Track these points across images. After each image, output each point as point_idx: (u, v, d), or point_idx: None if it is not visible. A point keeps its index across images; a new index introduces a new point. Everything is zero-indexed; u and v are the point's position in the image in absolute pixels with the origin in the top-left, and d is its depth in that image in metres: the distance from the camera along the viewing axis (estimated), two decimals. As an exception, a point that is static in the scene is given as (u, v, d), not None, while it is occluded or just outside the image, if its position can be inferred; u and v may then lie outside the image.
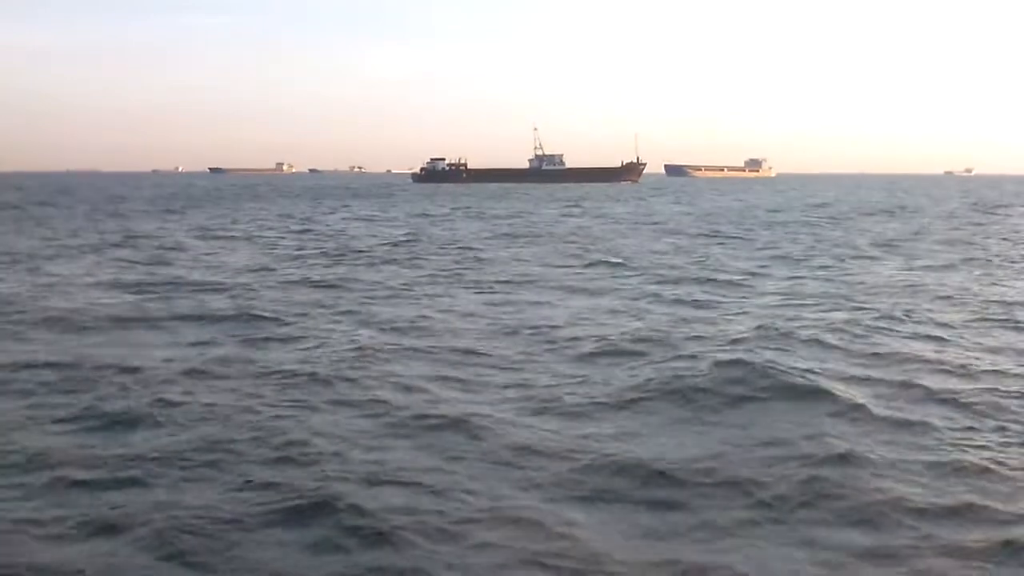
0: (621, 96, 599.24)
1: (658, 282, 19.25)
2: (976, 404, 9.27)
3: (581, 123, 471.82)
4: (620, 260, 23.74)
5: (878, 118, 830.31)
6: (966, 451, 7.80)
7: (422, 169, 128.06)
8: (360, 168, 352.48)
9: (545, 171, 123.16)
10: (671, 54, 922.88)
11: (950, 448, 7.88)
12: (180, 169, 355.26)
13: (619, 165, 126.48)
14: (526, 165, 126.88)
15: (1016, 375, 10.53)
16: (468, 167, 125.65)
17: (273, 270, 21.33)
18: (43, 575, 5.67)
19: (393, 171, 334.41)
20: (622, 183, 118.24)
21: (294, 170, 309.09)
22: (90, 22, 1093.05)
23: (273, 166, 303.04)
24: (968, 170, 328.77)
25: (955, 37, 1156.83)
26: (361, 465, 7.51)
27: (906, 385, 9.98)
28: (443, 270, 21.51)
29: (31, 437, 8.22)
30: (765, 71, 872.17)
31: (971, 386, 9.98)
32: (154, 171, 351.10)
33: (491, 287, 18.59)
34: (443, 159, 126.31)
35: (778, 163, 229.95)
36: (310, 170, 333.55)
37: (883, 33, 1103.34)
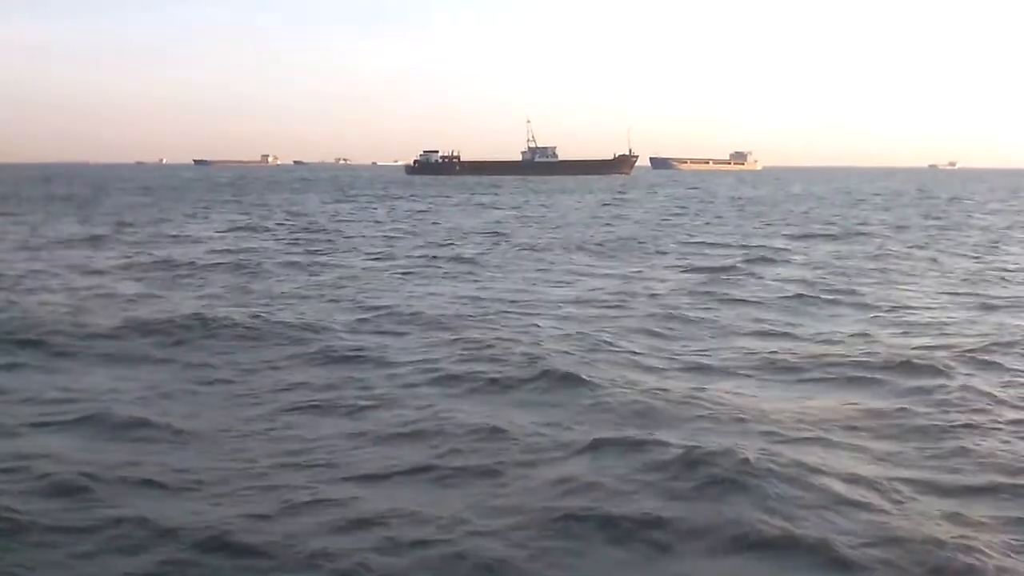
0: (614, 89, 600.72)
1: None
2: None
3: (574, 116, 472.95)
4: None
5: (862, 112, 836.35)
6: None
7: (415, 161, 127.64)
8: (346, 160, 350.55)
9: (538, 163, 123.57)
10: (663, 48, 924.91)
11: None
12: (164, 161, 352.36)
13: (612, 157, 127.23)
14: (519, 157, 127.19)
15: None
16: (461, 159, 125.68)
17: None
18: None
19: (379, 163, 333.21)
20: (614, 175, 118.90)
21: (279, 162, 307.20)
22: (75, 15, 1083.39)
23: (258, 158, 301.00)
24: (952, 163, 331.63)
25: (940, 33, 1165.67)
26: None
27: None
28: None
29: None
30: (752, 65, 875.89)
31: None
32: (138, 163, 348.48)
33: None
34: (436, 151, 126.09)
35: (763, 156, 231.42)
36: (295, 162, 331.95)
37: (869, 28, 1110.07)
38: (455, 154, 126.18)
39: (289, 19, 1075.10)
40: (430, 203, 51.83)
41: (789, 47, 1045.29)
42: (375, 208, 46.84)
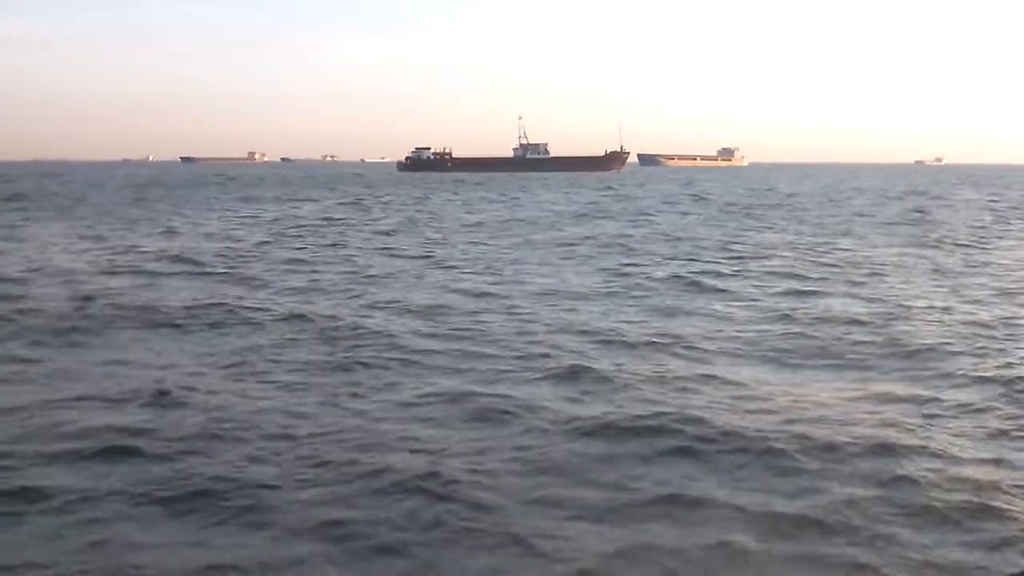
0: (604, 87, 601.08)
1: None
2: None
3: (564, 113, 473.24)
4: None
5: (849, 108, 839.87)
6: None
7: (407, 158, 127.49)
8: (333, 157, 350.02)
9: (529, 160, 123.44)
10: (651, 46, 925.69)
11: None
12: (151, 159, 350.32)
13: (603, 154, 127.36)
14: (511, 154, 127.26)
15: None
16: (453, 156, 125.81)
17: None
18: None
19: (366, 160, 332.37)
20: (606, 172, 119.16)
21: (266, 159, 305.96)
22: (63, 12, 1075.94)
23: (245, 155, 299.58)
24: (939, 159, 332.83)
25: (927, 29, 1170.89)
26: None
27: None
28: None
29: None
30: (738, 61, 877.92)
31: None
32: (125, 160, 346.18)
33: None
34: (428, 148, 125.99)
35: (749, 152, 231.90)
36: (282, 159, 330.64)
37: (857, 25, 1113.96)
38: (447, 151, 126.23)
39: (278, 16, 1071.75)
40: (427, 200, 51.98)
41: (775, 43, 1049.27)
42: (373, 205, 47.06)
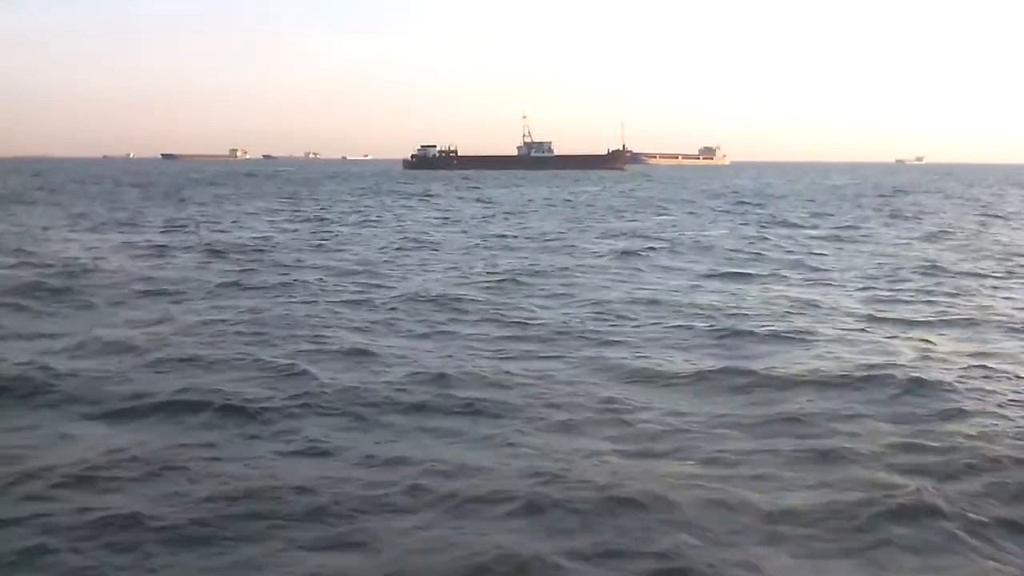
0: (601, 83, 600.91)
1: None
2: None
3: (569, 110, 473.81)
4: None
5: (831, 107, 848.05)
6: None
7: (413, 156, 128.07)
8: (316, 154, 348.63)
9: (534, 158, 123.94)
10: (639, 44, 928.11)
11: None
12: (132, 155, 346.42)
13: (606, 152, 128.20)
14: (514, 152, 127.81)
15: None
16: (458, 154, 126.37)
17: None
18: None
19: (348, 157, 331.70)
20: (609, 170, 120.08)
21: (248, 156, 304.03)
22: (41, 6, 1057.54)
23: (227, 152, 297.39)
24: (919, 158, 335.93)
25: (909, 30, 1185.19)
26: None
27: None
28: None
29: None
30: (720, 60, 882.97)
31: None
32: (105, 157, 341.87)
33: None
34: (434, 146, 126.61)
35: (731, 151, 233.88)
36: (264, 156, 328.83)
37: (840, 26, 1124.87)
38: (452, 149, 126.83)
39: (263, 13, 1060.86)
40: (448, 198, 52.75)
41: (756, 43, 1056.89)
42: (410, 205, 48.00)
